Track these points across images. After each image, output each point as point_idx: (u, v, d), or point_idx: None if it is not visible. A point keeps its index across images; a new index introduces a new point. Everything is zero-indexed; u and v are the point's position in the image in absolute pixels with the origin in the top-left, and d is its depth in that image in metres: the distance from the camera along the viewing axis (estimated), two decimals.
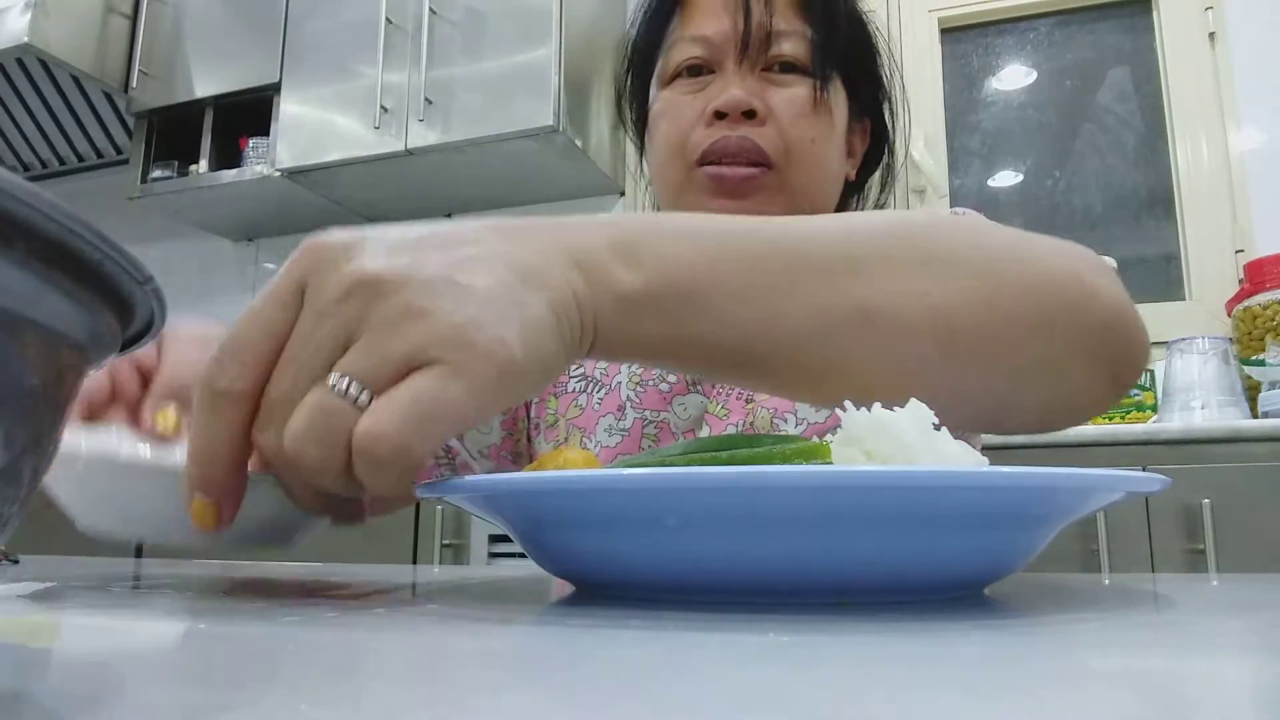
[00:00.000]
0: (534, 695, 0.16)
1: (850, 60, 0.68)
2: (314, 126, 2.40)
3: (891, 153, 0.75)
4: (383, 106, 2.28)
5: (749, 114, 0.64)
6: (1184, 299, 2.00)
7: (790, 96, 0.65)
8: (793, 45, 0.66)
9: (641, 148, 0.75)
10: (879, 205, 0.75)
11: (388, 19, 2.31)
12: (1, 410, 0.16)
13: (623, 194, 2.53)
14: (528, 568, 0.44)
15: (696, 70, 0.67)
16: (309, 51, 2.44)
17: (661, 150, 0.68)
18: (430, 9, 2.28)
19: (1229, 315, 1.84)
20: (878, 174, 0.75)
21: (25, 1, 2.39)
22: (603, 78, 2.42)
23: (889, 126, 0.74)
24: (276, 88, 2.46)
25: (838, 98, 0.67)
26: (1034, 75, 2.26)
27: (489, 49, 2.23)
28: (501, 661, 0.19)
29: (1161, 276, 2.07)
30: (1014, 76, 2.26)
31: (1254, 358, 1.72)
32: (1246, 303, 1.76)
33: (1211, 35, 2.07)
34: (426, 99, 2.24)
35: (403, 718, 0.14)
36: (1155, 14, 2.14)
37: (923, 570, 0.26)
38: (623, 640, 0.21)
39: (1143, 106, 2.17)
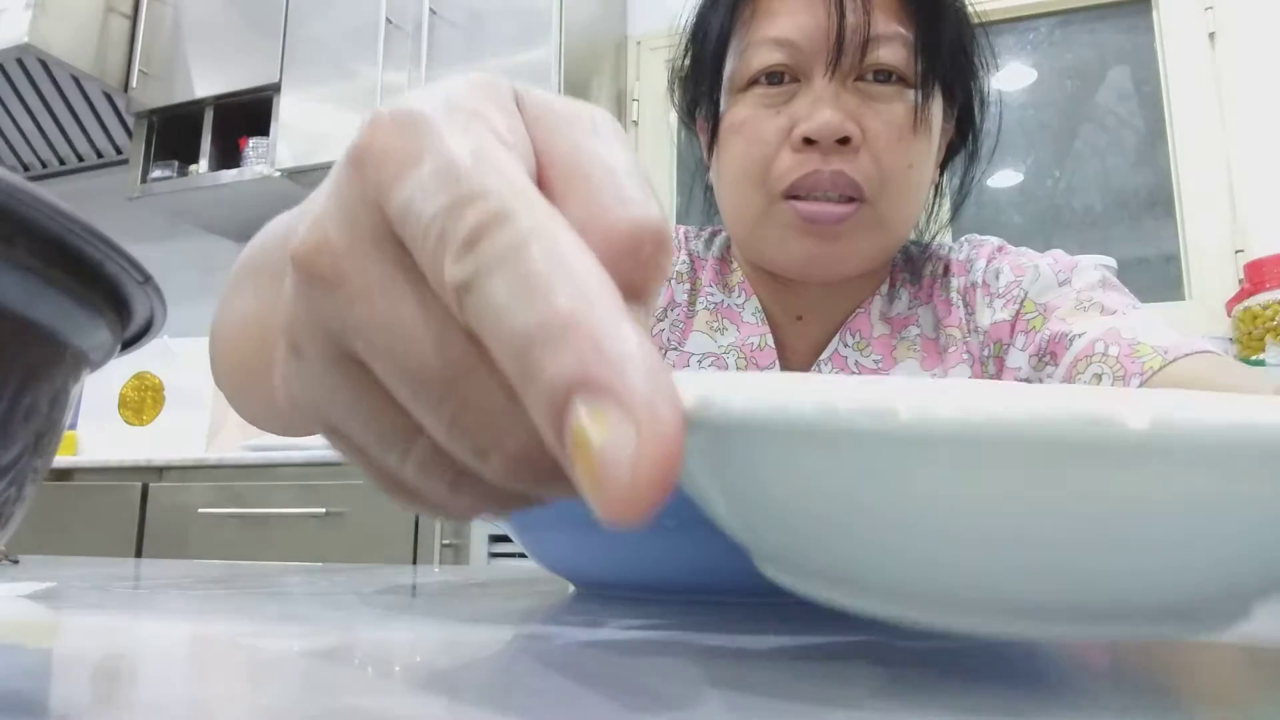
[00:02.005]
0: (534, 695, 0.16)
1: (953, 65, 0.60)
2: (314, 126, 2.40)
3: (977, 140, 0.66)
4: (380, 107, 2.28)
5: (842, 140, 0.56)
6: (1184, 299, 2.00)
7: (888, 117, 0.57)
8: (892, 52, 0.57)
9: (708, 150, 0.65)
10: (956, 209, 0.68)
11: (388, 19, 2.31)
12: (2, 410, 0.16)
13: None
14: (528, 568, 0.44)
15: (777, 77, 0.58)
16: (309, 51, 2.45)
17: (737, 174, 0.60)
18: (430, 9, 2.28)
19: (1229, 315, 1.84)
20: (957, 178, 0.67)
21: (25, 1, 2.39)
22: (603, 78, 2.42)
23: (977, 117, 0.65)
24: (276, 88, 2.46)
25: (936, 107, 0.60)
26: (1034, 75, 2.26)
27: (489, 49, 2.24)
28: (502, 662, 0.19)
29: (1161, 276, 2.07)
30: (1014, 76, 2.26)
31: (1254, 358, 1.72)
32: (1246, 303, 1.76)
33: (1211, 35, 2.07)
34: None
35: (403, 718, 0.14)
36: (1155, 14, 2.14)
37: None
38: (623, 640, 0.21)
39: (1143, 106, 2.16)
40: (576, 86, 2.25)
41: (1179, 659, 0.19)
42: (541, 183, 0.17)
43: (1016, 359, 0.60)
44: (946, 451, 0.12)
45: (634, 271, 0.16)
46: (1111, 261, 1.76)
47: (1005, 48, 2.24)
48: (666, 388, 0.13)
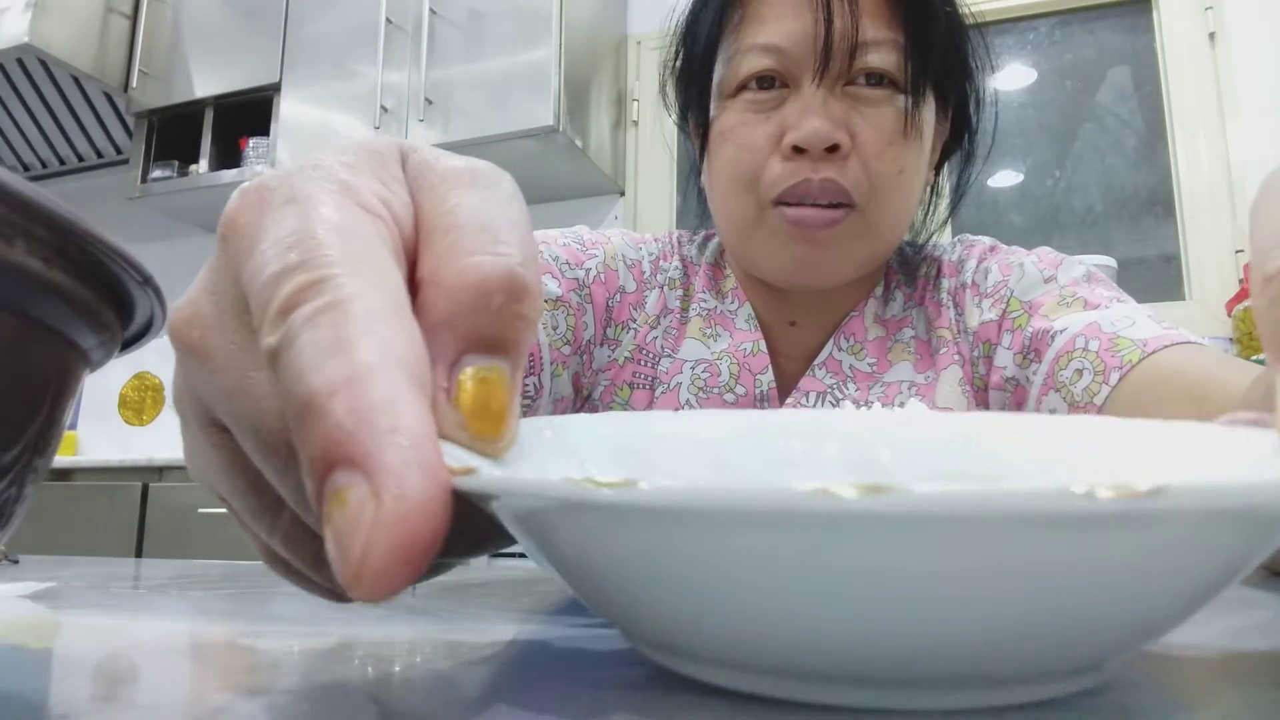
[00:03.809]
0: (534, 695, 0.16)
1: (945, 68, 0.59)
2: (314, 126, 2.40)
3: (973, 141, 0.65)
4: (383, 106, 2.28)
5: (831, 148, 0.55)
6: (1184, 299, 2.01)
7: (878, 123, 0.56)
8: (881, 56, 0.56)
9: (700, 153, 0.64)
10: (951, 211, 0.68)
11: (388, 19, 2.31)
12: (2, 410, 0.16)
13: (623, 194, 2.53)
14: (528, 568, 0.44)
15: (766, 82, 0.58)
16: (309, 51, 2.45)
17: (727, 181, 0.59)
18: (430, 9, 2.28)
19: (1229, 315, 1.84)
20: (952, 177, 0.67)
21: (25, 1, 2.40)
22: (603, 78, 2.42)
23: (973, 117, 0.64)
24: (276, 88, 2.46)
25: (927, 110, 0.59)
26: (1034, 75, 2.26)
27: (489, 49, 2.24)
28: (502, 662, 0.19)
29: (1161, 276, 2.07)
30: (1014, 76, 2.27)
31: (1254, 358, 1.72)
32: (1246, 303, 1.76)
33: (1211, 35, 2.07)
34: (426, 99, 2.25)
35: (403, 718, 0.14)
36: (1155, 14, 2.14)
37: None
38: (621, 641, 0.21)
39: (1143, 106, 2.17)
40: (576, 86, 2.25)
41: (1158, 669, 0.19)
42: (415, 242, 0.17)
43: (1003, 358, 0.59)
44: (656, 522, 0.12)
45: (488, 324, 0.16)
46: (1112, 261, 1.76)
47: (1005, 48, 2.24)
48: (427, 464, 0.13)
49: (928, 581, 0.12)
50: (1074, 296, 0.58)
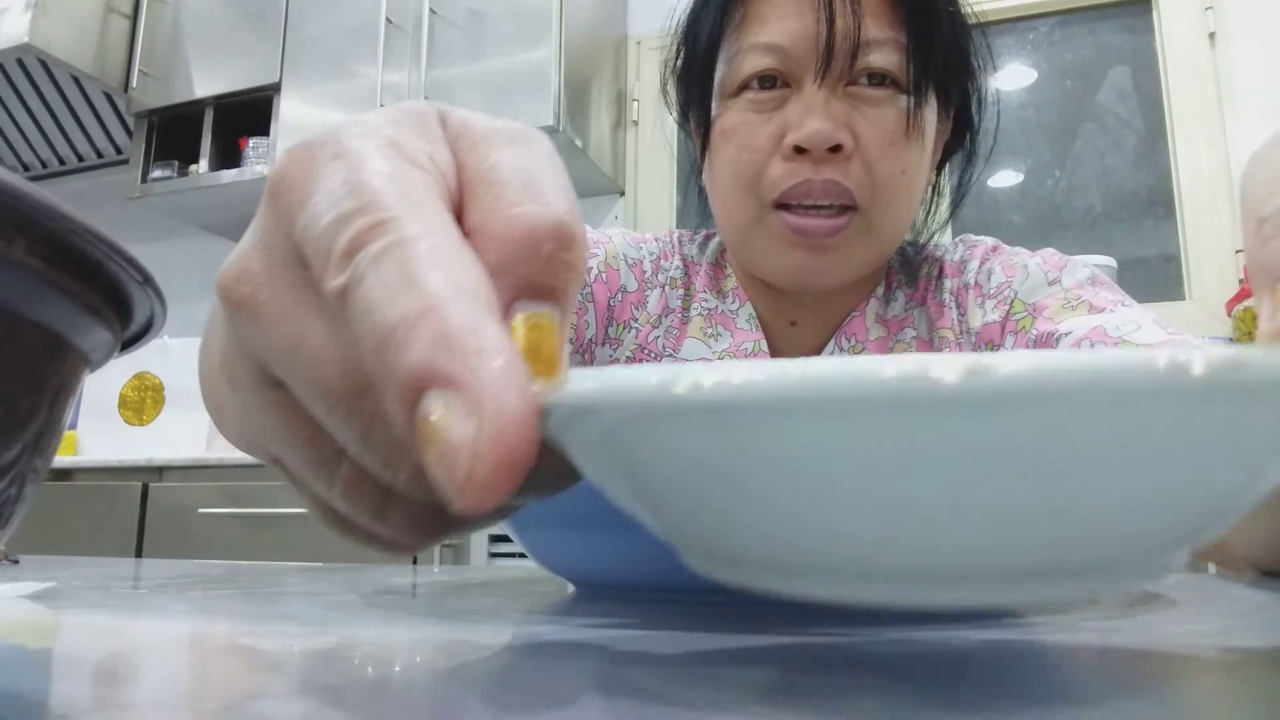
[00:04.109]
0: (534, 695, 0.16)
1: (947, 68, 0.59)
2: (314, 126, 2.39)
3: (975, 141, 0.65)
4: (383, 106, 2.28)
5: (834, 148, 0.55)
6: (1184, 299, 2.00)
7: (880, 123, 0.56)
8: (884, 56, 0.55)
9: (701, 154, 0.64)
10: (953, 210, 0.68)
11: (388, 19, 2.31)
12: (2, 410, 0.16)
13: (623, 194, 2.53)
14: (528, 568, 0.44)
15: (768, 81, 0.57)
16: (309, 51, 2.45)
17: (728, 181, 0.59)
18: (430, 9, 2.28)
19: (1229, 315, 1.84)
20: (954, 179, 0.67)
21: (25, 1, 2.40)
22: (603, 78, 2.42)
23: (975, 117, 0.64)
24: (276, 88, 2.46)
25: (929, 110, 0.59)
26: (1034, 75, 2.26)
27: (489, 49, 2.24)
28: (502, 662, 0.19)
29: (1161, 276, 2.07)
30: (1014, 76, 2.27)
31: None
32: (1246, 303, 1.76)
33: (1211, 35, 2.07)
34: (426, 99, 2.24)
35: (404, 717, 0.14)
36: (1155, 14, 2.14)
37: None
38: (623, 640, 0.21)
39: (1143, 106, 2.16)
40: (576, 86, 2.25)
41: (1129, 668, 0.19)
42: (459, 198, 0.18)
43: None
44: (777, 419, 0.12)
45: (538, 272, 0.16)
46: (1112, 261, 1.76)
47: (1005, 48, 2.24)
48: (518, 381, 0.14)
49: (1023, 465, 0.12)
50: (1079, 300, 0.58)
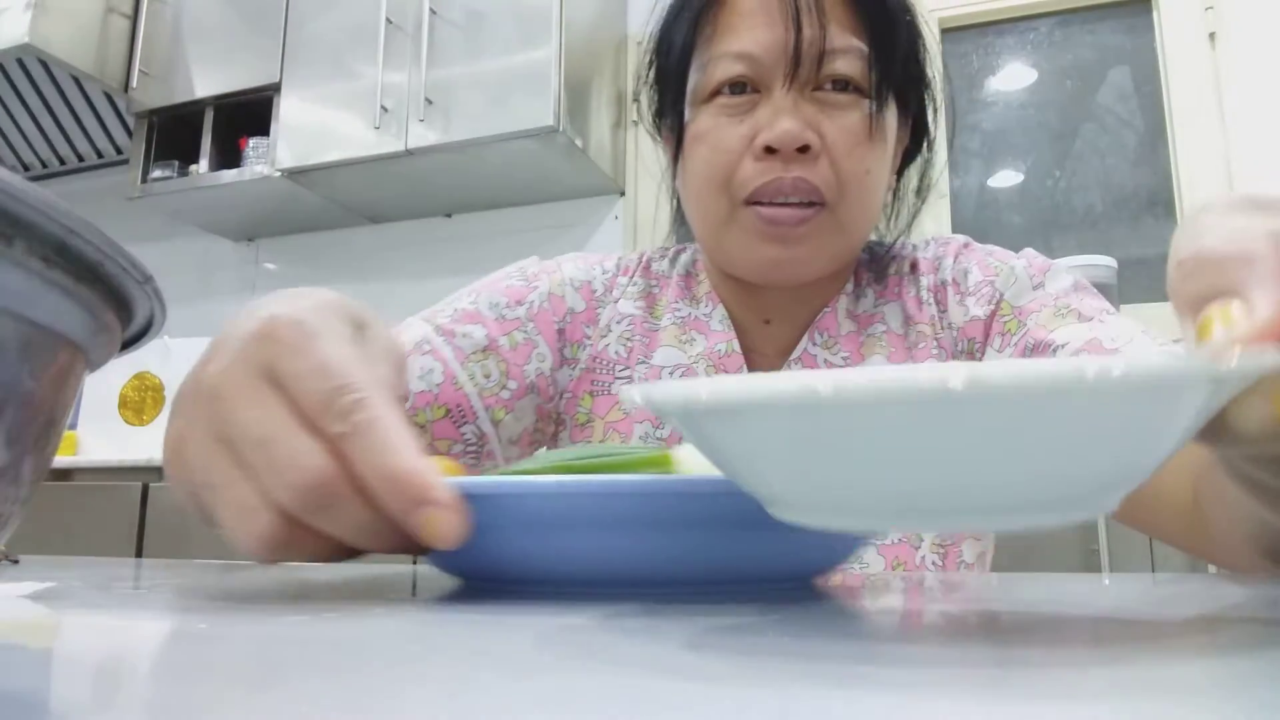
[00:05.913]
0: (534, 695, 0.16)
1: (906, 75, 0.63)
2: (314, 126, 2.41)
3: (931, 148, 0.69)
4: (383, 106, 2.28)
5: (802, 148, 0.58)
6: None
7: (845, 125, 0.59)
8: (848, 63, 0.59)
9: (675, 158, 0.67)
10: (915, 213, 0.71)
11: (388, 19, 2.31)
12: (2, 410, 0.16)
13: (623, 194, 2.53)
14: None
15: (739, 87, 0.61)
16: (309, 51, 2.45)
17: (702, 181, 0.62)
18: (430, 9, 2.28)
19: None
20: (914, 182, 0.70)
21: (25, 1, 2.40)
22: (603, 78, 2.42)
23: (930, 124, 0.68)
24: (276, 88, 2.46)
25: (890, 115, 0.62)
26: (1034, 75, 2.26)
27: (489, 49, 2.24)
28: (501, 661, 0.19)
29: (1161, 276, 2.05)
30: (1014, 76, 2.27)
31: None
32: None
33: (1211, 35, 2.07)
34: (426, 99, 2.25)
35: (402, 716, 0.14)
36: (1155, 14, 2.14)
37: (748, 565, 0.29)
38: (623, 639, 0.21)
39: (1143, 106, 2.17)
40: (576, 86, 2.25)
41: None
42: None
43: (995, 360, 0.61)
44: (861, 410, 0.18)
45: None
46: (1112, 261, 1.76)
47: (1005, 48, 2.24)
48: (455, 502, 0.28)
49: (999, 437, 0.18)
50: (1068, 308, 0.60)
